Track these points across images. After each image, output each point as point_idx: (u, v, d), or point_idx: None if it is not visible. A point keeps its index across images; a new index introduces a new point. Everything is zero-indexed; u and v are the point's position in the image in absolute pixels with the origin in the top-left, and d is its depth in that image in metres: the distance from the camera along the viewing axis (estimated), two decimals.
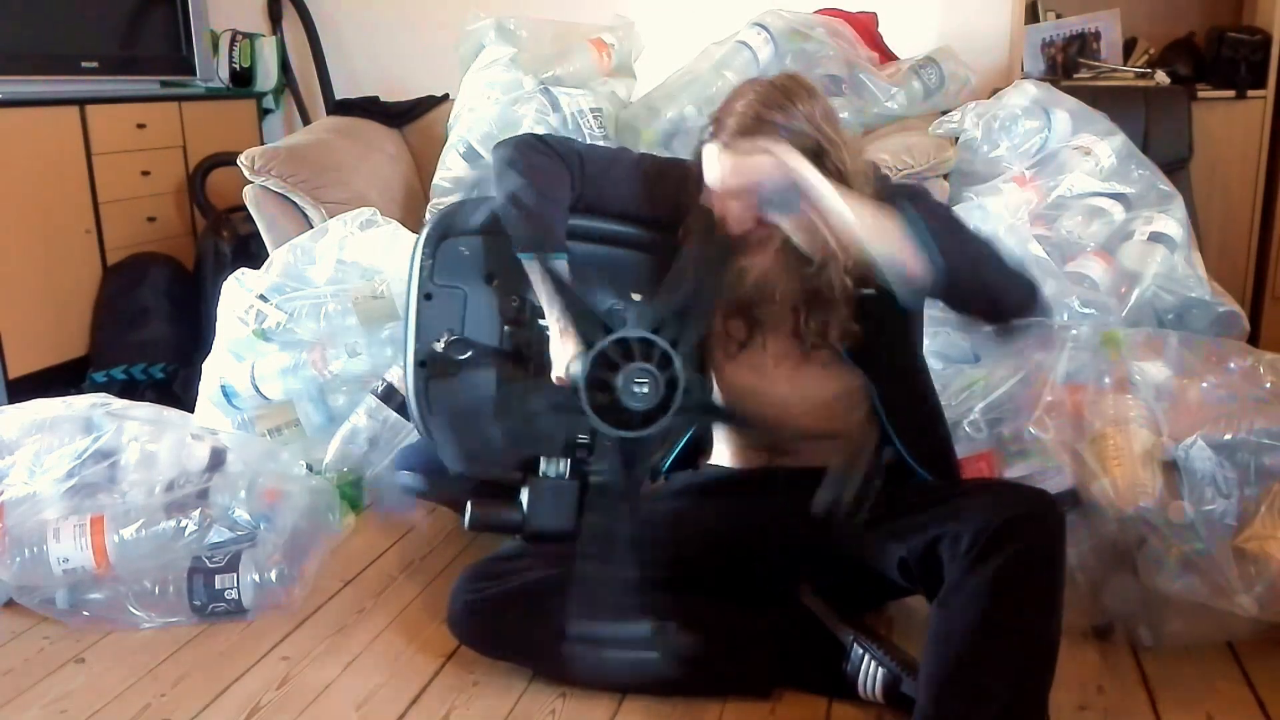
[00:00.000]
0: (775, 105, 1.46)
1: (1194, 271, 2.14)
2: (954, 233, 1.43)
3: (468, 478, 1.61)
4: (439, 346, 1.57)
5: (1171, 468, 1.61)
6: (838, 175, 1.46)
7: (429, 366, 1.58)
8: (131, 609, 1.74)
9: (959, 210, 2.18)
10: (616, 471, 1.42)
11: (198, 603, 1.74)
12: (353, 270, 2.19)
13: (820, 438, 1.56)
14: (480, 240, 1.63)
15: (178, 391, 2.77)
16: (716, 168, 1.47)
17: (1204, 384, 1.70)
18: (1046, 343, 1.82)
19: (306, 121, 3.50)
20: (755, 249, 1.49)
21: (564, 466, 1.50)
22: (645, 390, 1.37)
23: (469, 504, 1.51)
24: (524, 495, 1.48)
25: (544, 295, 1.53)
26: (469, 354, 1.57)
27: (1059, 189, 2.24)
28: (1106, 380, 1.71)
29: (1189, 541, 1.56)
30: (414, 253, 1.62)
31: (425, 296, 1.60)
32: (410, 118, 3.03)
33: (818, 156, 1.45)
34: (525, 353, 1.57)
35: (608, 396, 1.37)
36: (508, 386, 1.47)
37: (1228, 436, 1.59)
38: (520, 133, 1.86)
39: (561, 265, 1.53)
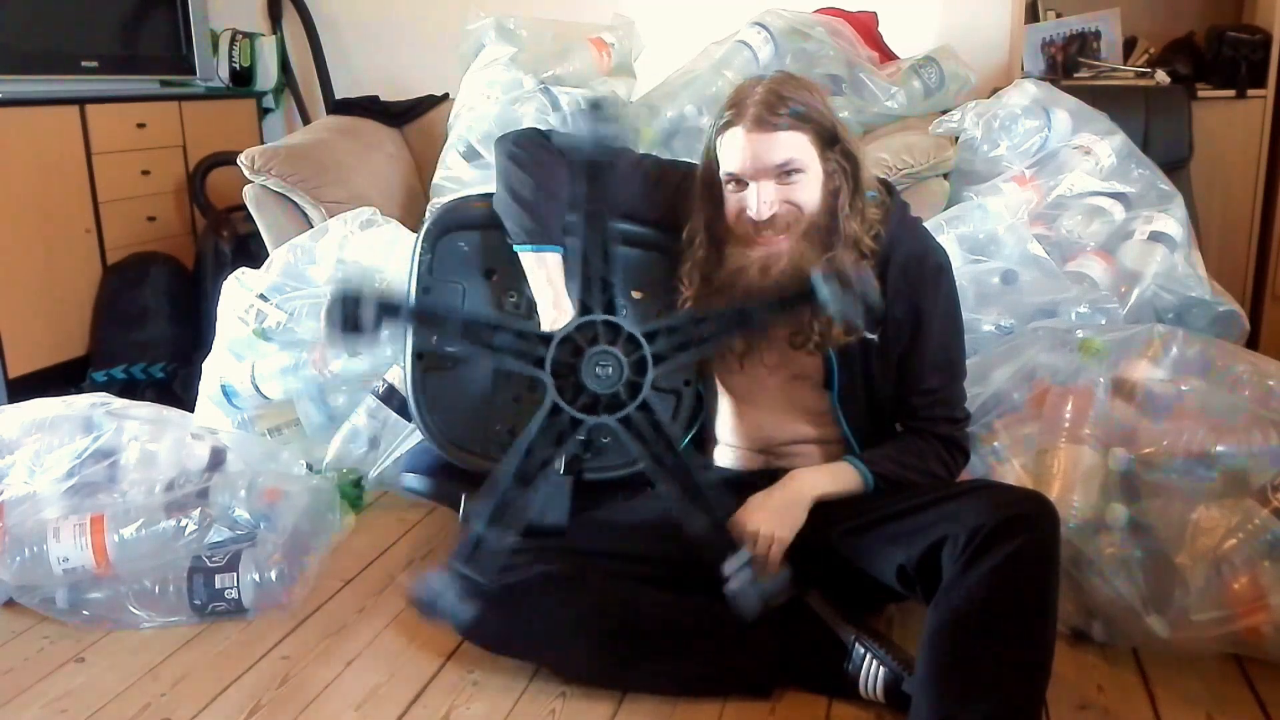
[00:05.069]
0: (794, 87, 1.50)
1: (1194, 271, 2.14)
2: (897, 461, 1.57)
3: (470, 478, 1.62)
4: (434, 340, 1.59)
5: (1127, 476, 1.64)
6: (851, 161, 1.50)
7: (425, 359, 1.61)
8: (131, 609, 1.74)
9: (959, 210, 2.18)
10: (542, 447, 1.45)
11: (198, 602, 1.74)
12: (353, 270, 2.20)
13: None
14: (480, 236, 1.65)
15: (178, 391, 2.78)
16: (743, 149, 1.48)
17: (1190, 389, 1.70)
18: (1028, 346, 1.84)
19: (306, 121, 3.50)
20: (783, 232, 1.51)
21: (558, 462, 1.51)
22: (608, 372, 1.41)
23: (464, 498, 1.53)
24: None
25: (536, 287, 1.54)
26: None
27: (1059, 188, 2.24)
28: (1079, 384, 1.72)
29: (1126, 547, 1.58)
30: (414, 247, 1.64)
31: (423, 291, 1.62)
32: (410, 117, 3.03)
33: (833, 140, 1.50)
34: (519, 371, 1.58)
35: (572, 377, 1.43)
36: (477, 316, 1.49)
37: (1218, 449, 1.61)
38: (524, 127, 1.87)
39: (556, 259, 1.54)
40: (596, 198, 1.48)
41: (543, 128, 1.73)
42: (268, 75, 3.57)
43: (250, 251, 2.90)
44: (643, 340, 1.44)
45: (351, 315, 1.36)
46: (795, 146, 1.48)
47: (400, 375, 1.97)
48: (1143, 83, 2.74)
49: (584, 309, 1.46)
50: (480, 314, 1.55)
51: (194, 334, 2.90)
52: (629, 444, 1.46)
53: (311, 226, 2.45)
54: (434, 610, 1.39)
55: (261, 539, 1.80)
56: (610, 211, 1.51)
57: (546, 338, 1.46)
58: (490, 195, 1.65)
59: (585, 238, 1.47)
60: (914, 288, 1.56)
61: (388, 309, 1.40)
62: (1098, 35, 2.87)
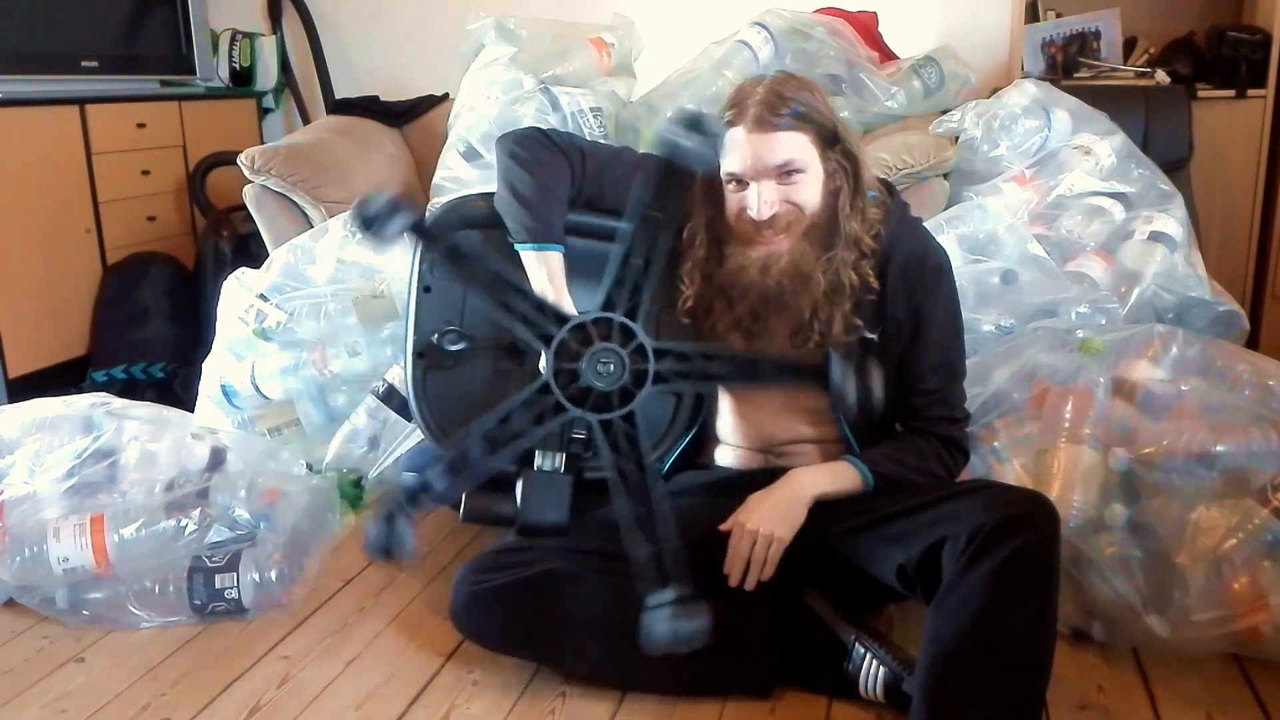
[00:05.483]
0: (795, 87, 1.50)
1: (1194, 271, 2.14)
2: (895, 460, 1.56)
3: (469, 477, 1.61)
4: (435, 338, 1.59)
5: (1127, 476, 1.64)
6: (852, 161, 1.51)
7: (426, 358, 1.62)
8: (131, 609, 1.74)
9: (959, 210, 2.18)
10: (613, 455, 1.44)
11: (198, 602, 1.74)
12: (353, 270, 2.20)
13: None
14: (481, 235, 1.64)
15: (178, 391, 2.78)
16: (744, 149, 1.48)
17: (1190, 389, 1.70)
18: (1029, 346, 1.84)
19: (306, 121, 3.50)
20: (784, 232, 1.51)
21: (559, 460, 1.51)
22: (608, 371, 1.40)
23: (464, 496, 1.53)
24: (518, 488, 1.50)
25: (537, 286, 1.54)
26: (463, 345, 1.60)
27: (1059, 188, 2.24)
28: (1078, 384, 1.72)
29: (1126, 547, 1.59)
30: (415, 247, 1.64)
31: (424, 289, 1.63)
32: (410, 117, 3.03)
33: (834, 140, 1.51)
34: (521, 346, 1.58)
35: (578, 387, 1.42)
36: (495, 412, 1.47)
37: (1218, 449, 1.61)
38: (525, 126, 1.87)
39: (558, 258, 1.54)
40: (661, 206, 1.46)
41: (543, 127, 1.73)
42: (268, 75, 3.57)
43: (250, 251, 2.90)
44: (652, 355, 1.44)
45: (383, 216, 1.38)
46: (796, 146, 1.48)
47: (400, 375, 1.97)
48: (1143, 83, 2.75)
49: (608, 303, 1.45)
50: (511, 272, 1.52)
51: (194, 334, 2.91)
52: (601, 447, 1.45)
53: (311, 226, 2.45)
54: (387, 552, 1.38)
55: (261, 539, 1.80)
56: (670, 225, 1.49)
57: (563, 318, 1.45)
58: (491, 194, 1.65)
59: (634, 239, 1.45)
60: (914, 288, 1.56)
61: (421, 230, 1.43)
62: (1098, 35, 2.87)
